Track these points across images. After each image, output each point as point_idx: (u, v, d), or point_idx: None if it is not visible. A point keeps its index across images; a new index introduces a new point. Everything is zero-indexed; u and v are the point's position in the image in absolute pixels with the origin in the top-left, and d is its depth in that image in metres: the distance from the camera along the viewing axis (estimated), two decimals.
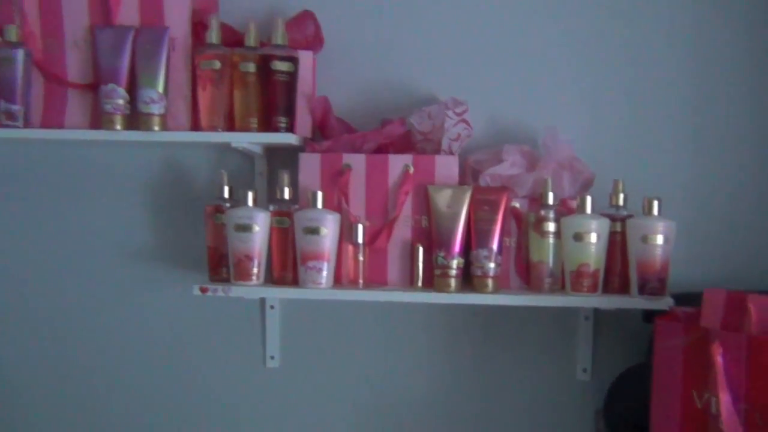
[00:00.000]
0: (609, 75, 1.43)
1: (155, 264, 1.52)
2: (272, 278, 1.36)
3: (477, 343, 1.47)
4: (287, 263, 1.35)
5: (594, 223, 1.27)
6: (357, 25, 1.46)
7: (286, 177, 1.34)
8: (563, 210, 1.32)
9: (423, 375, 1.49)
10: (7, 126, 1.33)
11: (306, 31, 1.39)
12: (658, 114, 1.42)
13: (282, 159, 1.45)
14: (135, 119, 1.34)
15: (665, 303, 1.25)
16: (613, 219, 1.29)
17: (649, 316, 1.34)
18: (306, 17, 1.39)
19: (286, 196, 1.34)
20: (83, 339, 1.54)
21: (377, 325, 1.49)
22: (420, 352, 1.48)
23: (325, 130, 1.42)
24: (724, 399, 1.03)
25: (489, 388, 1.48)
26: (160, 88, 1.32)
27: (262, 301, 1.50)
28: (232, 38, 1.37)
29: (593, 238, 1.26)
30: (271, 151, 1.45)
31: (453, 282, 1.30)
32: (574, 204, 1.32)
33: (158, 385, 1.54)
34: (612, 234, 1.29)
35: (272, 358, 1.51)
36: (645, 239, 1.25)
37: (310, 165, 1.35)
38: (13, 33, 1.33)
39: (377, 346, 1.50)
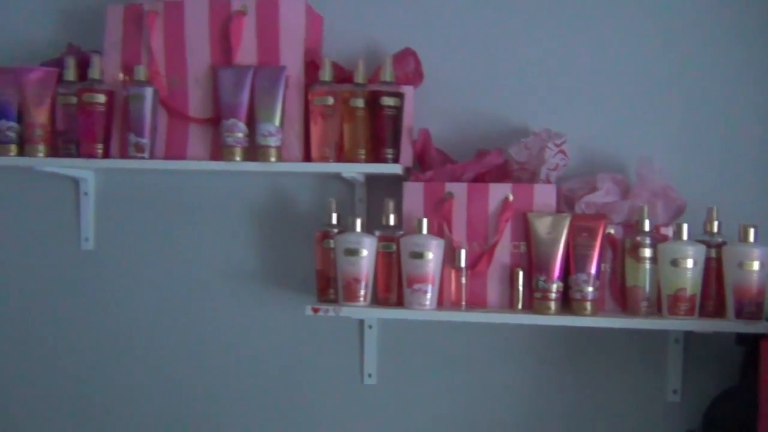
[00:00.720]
0: (699, 103, 1.48)
1: (261, 285, 1.61)
2: (377, 299, 1.44)
3: (569, 364, 1.53)
4: (391, 285, 1.43)
5: (691, 250, 1.32)
6: (453, 60, 1.55)
7: (391, 205, 1.43)
8: (657, 236, 1.38)
9: (516, 394, 1.54)
10: (136, 157, 1.45)
11: (407, 68, 1.48)
12: (749, 142, 1.47)
13: (381, 187, 1.54)
14: (252, 151, 1.45)
15: (763, 326, 1.29)
16: (708, 245, 1.35)
17: (742, 339, 1.39)
18: (407, 54, 1.49)
19: (392, 222, 1.43)
20: (191, 355, 1.64)
21: (471, 345, 1.56)
22: (513, 372, 1.54)
23: (425, 160, 1.50)
24: None
25: (580, 408, 1.53)
26: (277, 122, 1.42)
27: (361, 321, 1.59)
28: (340, 75, 1.47)
29: (690, 263, 1.32)
30: (371, 179, 1.54)
31: (553, 305, 1.36)
32: (668, 231, 1.38)
33: (259, 400, 1.63)
34: (707, 260, 1.34)
35: (370, 375, 1.58)
36: (741, 265, 1.30)
37: (414, 193, 1.43)
38: (142, 72, 1.45)
39: (470, 366, 1.56)
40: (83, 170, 1.61)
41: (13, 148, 1.52)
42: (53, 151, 1.52)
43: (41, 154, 1.51)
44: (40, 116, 1.50)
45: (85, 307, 1.68)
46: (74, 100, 1.49)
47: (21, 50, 1.66)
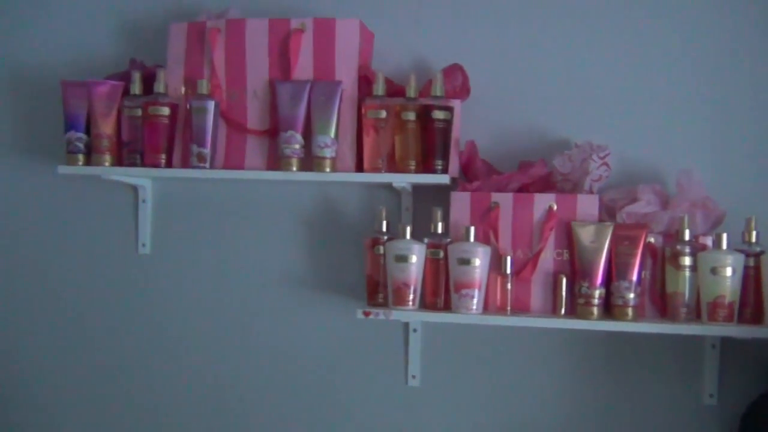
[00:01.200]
0: (736, 116, 1.54)
1: (310, 290, 1.69)
2: (424, 304, 1.51)
3: (607, 368, 1.58)
4: (438, 291, 1.49)
5: (730, 258, 1.38)
6: (497, 75, 1.62)
7: (439, 213, 1.50)
8: (696, 245, 1.44)
9: (555, 398, 1.60)
10: (198, 167, 1.53)
11: (455, 82, 1.56)
12: None
13: (427, 196, 1.60)
14: (307, 161, 1.52)
15: None
16: (746, 254, 1.40)
17: None
18: (455, 69, 1.56)
19: (440, 230, 1.50)
20: (243, 357, 1.72)
21: (512, 349, 1.62)
22: (553, 376, 1.60)
23: (470, 170, 1.57)
24: None
25: (619, 411, 1.58)
26: (333, 134, 1.50)
27: (406, 325, 1.65)
28: (391, 89, 1.55)
29: (729, 272, 1.37)
30: (417, 188, 1.61)
31: (596, 310, 1.42)
32: (707, 240, 1.44)
33: (306, 400, 1.70)
34: (746, 268, 1.40)
35: (414, 377, 1.65)
36: None
37: (461, 202, 1.50)
38: (205, 87, 1.54)
39: (511, 370, 1.62)
40: (142, 178, 1.69)
41: (81, 157, 1.61)
42: (118, 161, 1.61)
43: (107, 163, 1.59)
44: (107, 127, 1.58)
45: (141, 310, 1.76)
46: (139, 112, 1.57)
47: (86, 65, 1.76)
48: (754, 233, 1.41)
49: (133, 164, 1.59)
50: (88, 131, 1.61)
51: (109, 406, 1.77)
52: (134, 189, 1.74)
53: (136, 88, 1.58)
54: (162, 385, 1.75)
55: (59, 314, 1.79)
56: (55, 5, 1.80)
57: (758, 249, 1.41)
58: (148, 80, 1.60)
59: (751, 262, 1.40)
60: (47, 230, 1.79)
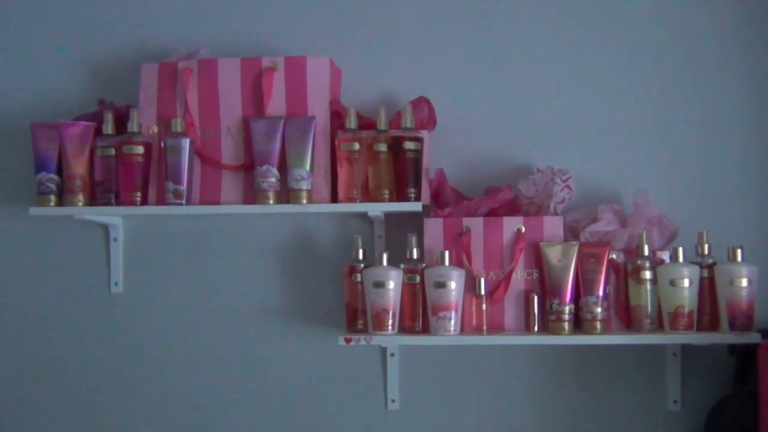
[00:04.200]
0: (686, 140, 1.65)
1: (287, 320, 1.71)
2: (403, 328, 1.55)
3: (577, 380, 1.65)
4: (416, 314, 1.55)
5: (687, 270, 1.48)
6: (461, 107, 1.69)
7: (414, 239, 1.55)
8: (655, 260, 1.53)
9: (532, 411, 1.66)
10: (174, 204, 1.55)
11: (421, 114, 1.62)
12: (731, 172, 1.64)
13: (398, 223, 1.66)
14: (283, 194, 1.56)
15: (754, 337, 1.45)
16: (701, 266, 1.50)
17: (734, 349, 1.54)
18: (422, 102, 1.63)
19: (415, 255, 1.55)
20: (220, 394, 1.72)
21: (486, 369, 1.67)
22: (527, 391, 1.66)
23: (440, 197, 1.63)
24: None
25: (589, 421, 1.65)
26: (308, 167, 1.54)
27: (383, 350, 1.69)
28: (361, 122, 1.60)
29: (687, 283, 1.47)
30: (389, 216, 1.66)
31: (566, 325, 1.49)
32: (663, 254, 1.53)
33: (288, 426, 1.70)
34: (701, 279, 1.50)
35: (393, 401, 1.68)
36: (732, 282, 1.46)
37: (434, 228, 1.56)
38: (179, 125, 1.56)
39: (488, 388, 1.67)
40: (113, 217, 1.69)
41: (53, 198, 1.60)
42: (91, 200, 1.61)
43: (80, 203, 1.60)
44: (79, 168, 1.59)
45: (114, 350, 1.74)
46: (113, 151, 1.58)
47: (52, 106, 1.75)
48: (706, 246, 1.52)
49: (107, 203, 1.59)
50: (59, 172, 1.61)
51: None
52: (105, 228, 1.74)
53: (109, 128, 1.60)
54: (139, 424, 1.73)
55: (31, 356, 1.76)
56: (20, 46, 1.80)
57: (710, 261, 1.51)
58: (120, 119, 1.61)
59: (705, 273, 1.50)
60: (18, 271, 1.77)
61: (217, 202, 1.58)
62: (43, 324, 1.76)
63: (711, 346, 1.55)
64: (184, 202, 1.55)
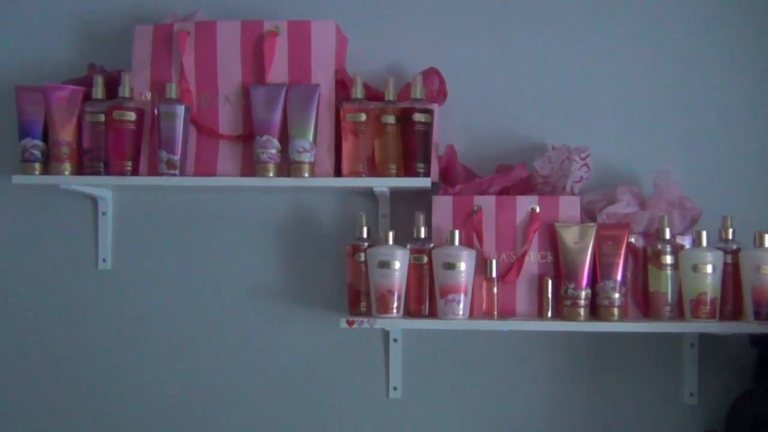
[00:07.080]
0: (710, 119, 1.58)
1: (286, 301, 1.62)
2: (409, 311, 1.47)
3: (590, 370, 1.58)
4: (423, 297, 1.46)
5: (711, 255, 1.40)
6: (474, 79, 1.61)
7: (422, 218, 1.47)
8: (674, 244, 1.45)
9: (539, 402, 1.59)
10: (167, 174, 1.46)
11: (432, 86, 1.54)
12: (756, 153, 1.57)
13: (404, 201, 1.57)
14: (284, 167, 1.47)
15: None
16: (724, 251, 1.43)
17: (756, 340, 1.46)
18: (432, 73, 1.54)
19: (423, 235, 1.47)
20: (213, 374, 1.63)
21: (493, 355, 1.59)
22: (536, 379, 1.59)
23: (450, 175, 1.55)
24: None
25: (602, 411, 1.57)
26: (311, 138, 1.45)
27: (386, 334, 1.61)
28: (368, 93, 1.51)
29: (710, 269, 1.39)
30: (394, 193, 1.57)
31: (582, 311, 1.41)
32: (684, 239, 1.46)
33: (284, 415, 1.63)
34: (724, 265, 1.42)
35: (395, 389, 1.60)
36: (759, 269, 1.38)
37: (443, 206, 1.48)
38: (173, 90, 1.47)
39: (493, 376, 1.60)
40: (102, 189, 1.60)
41: (38, 166, 1.51)
42: (79, 169, 1.52)
43: (67, 172, 1.50)
44: (66, 134, 1.49)
45: (101, 330, 1.65)
46: (102, 118, 1.49)
47: (42, 70, 1.65)
48: (730, 231, 1.44)
49: (96, 173, 1.50)
50: (45, 138, 1.51)
51: (70, 424, 1.64)
52: (93, 201, 1.64)
53: (99, 92, 1.50)
54: (128, 404, 1.64)
55: (15, 334, 1.66)
56: (5, 6, 1.70)
57: (735, 246, 1.44)
58: (111, 85, 1.51)
59: (729, 259, 1.43)
60: (1, 244, 1.68)
61: (213, 174, 1.49)
62: (25, 301, 1.66)
63: (730, 336, 1.48)
64: (177, 172, 1.46)
